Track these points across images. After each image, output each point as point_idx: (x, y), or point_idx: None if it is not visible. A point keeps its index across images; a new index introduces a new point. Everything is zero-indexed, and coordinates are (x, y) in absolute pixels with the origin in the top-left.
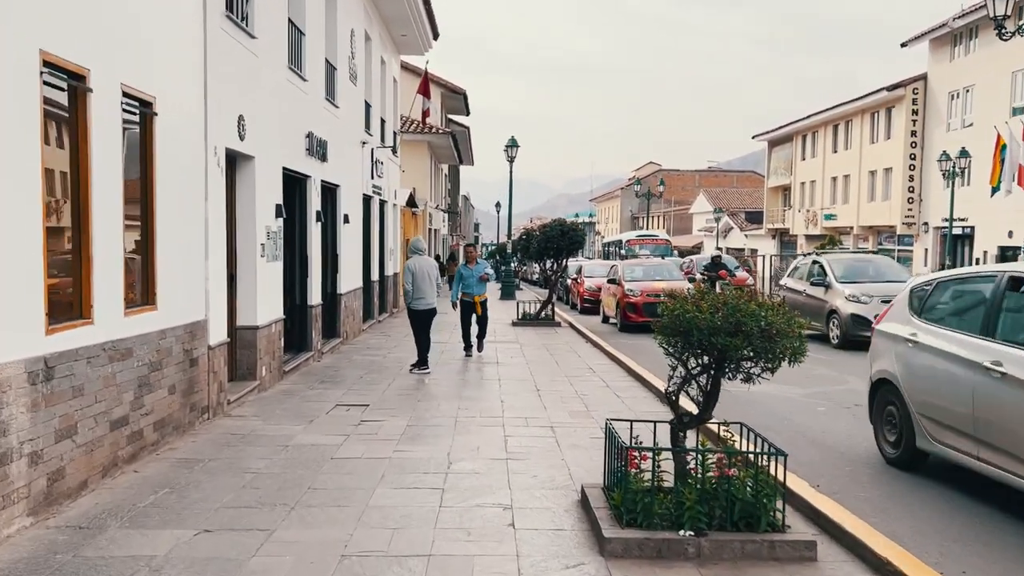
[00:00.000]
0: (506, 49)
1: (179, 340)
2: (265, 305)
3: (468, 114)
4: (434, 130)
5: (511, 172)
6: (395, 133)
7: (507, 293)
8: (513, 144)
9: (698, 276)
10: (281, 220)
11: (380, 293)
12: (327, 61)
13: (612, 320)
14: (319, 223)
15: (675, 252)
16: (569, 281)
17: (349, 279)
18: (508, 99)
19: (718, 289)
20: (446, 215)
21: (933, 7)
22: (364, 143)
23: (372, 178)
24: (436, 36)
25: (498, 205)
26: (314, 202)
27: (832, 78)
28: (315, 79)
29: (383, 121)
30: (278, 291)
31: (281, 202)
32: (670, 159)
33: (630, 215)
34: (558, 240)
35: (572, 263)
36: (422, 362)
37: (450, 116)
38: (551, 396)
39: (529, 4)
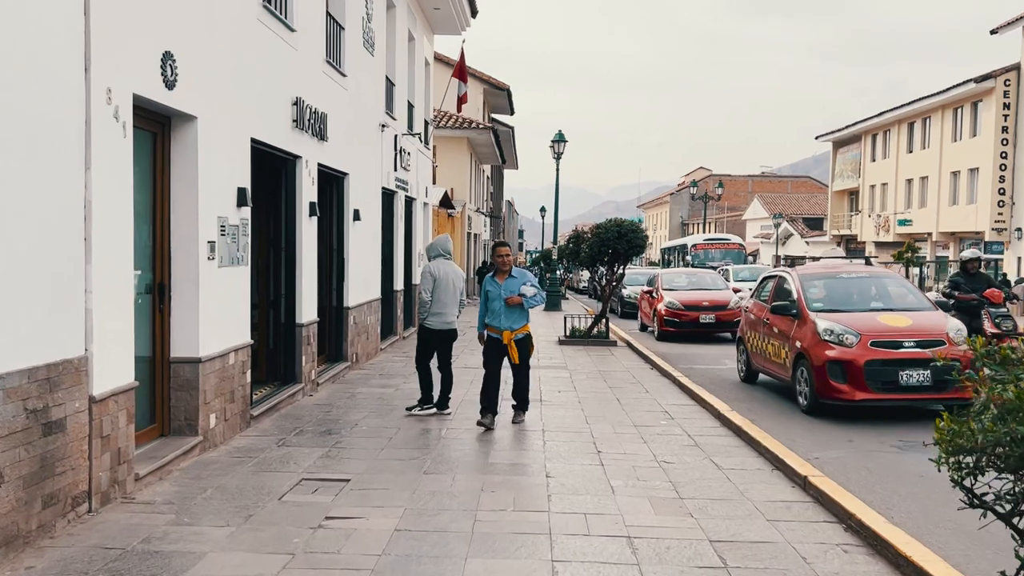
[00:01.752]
0: (552, 59)
1: (12, 395)
2: (216, 327)
3: (512, 113)
4: (474, 125)
5: (557, 170)
6: (427, 123)
7: (552, 304)
8: (560, 139)
9: (946, 296)
10: (247, 210)
11: (405, 306)
12: (329, 15)
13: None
14: (314, 218)
15: (750, 258)
16: (637, 295)
17: (361, 289)
18: (554, 107)
19: (988, 325)
20: (488, 219)
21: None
22: (384, 127)
23: (395, 170)
24: (474, 13)
25: (543, 210)
26: (305, 191)
27: (884, 87)
28: (309, 32)
29: (411, 106)
30: (242, 307)
31: (248, 186)
32: (720, 165)
33: (680, 222)
34: (614, 243)
35: (630, 272)
36: (442, 402)
37: (493, 116)
38: (619, 465)
39: (576, 14)
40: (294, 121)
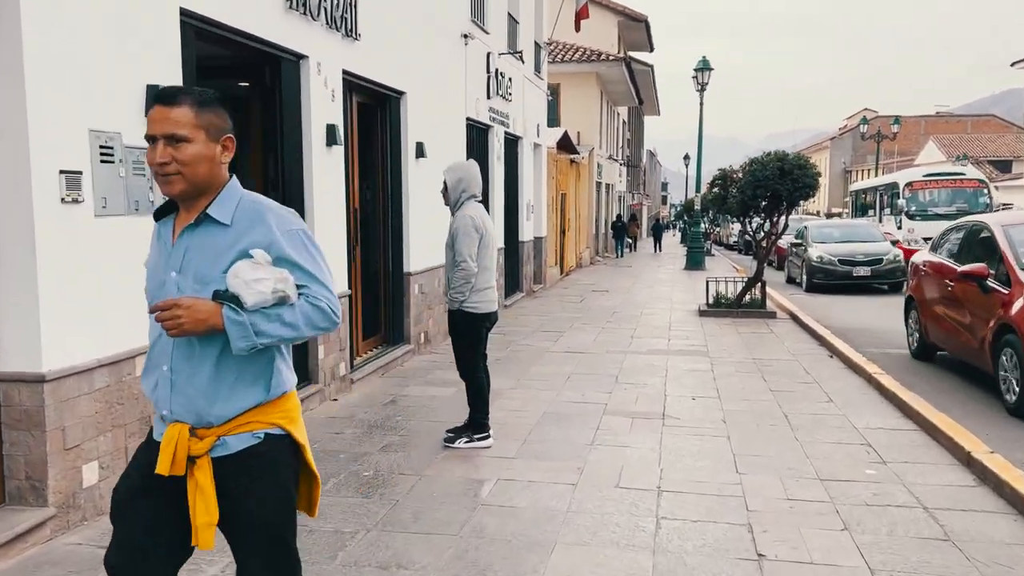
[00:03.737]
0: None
1: None
2: (84, 319)
3: (651, 49)
4: (603, 56)
5: (701, 104)
6: (539, 46)
7: (694, 262)
8: (704, 67)
9: None
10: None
11: (510, 268)
12: None
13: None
14: (334, 148)
15: (999, 206)
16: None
17: (430, 250)
18: (698, 53)
19: None
20: (623, 168)
21: None
22: (468, 37)
23: (489, 97)
24: None
25: (687, 157)
26: (316, 107)
27: None
28: None
29: (513, 21)
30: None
31: (159, 84)
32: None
33: (842, 168)
34: (775, 183)
35: (810, 225)
36: (478, 426)
37: (630, 54)
38: None
39: None
40: (288, 1)
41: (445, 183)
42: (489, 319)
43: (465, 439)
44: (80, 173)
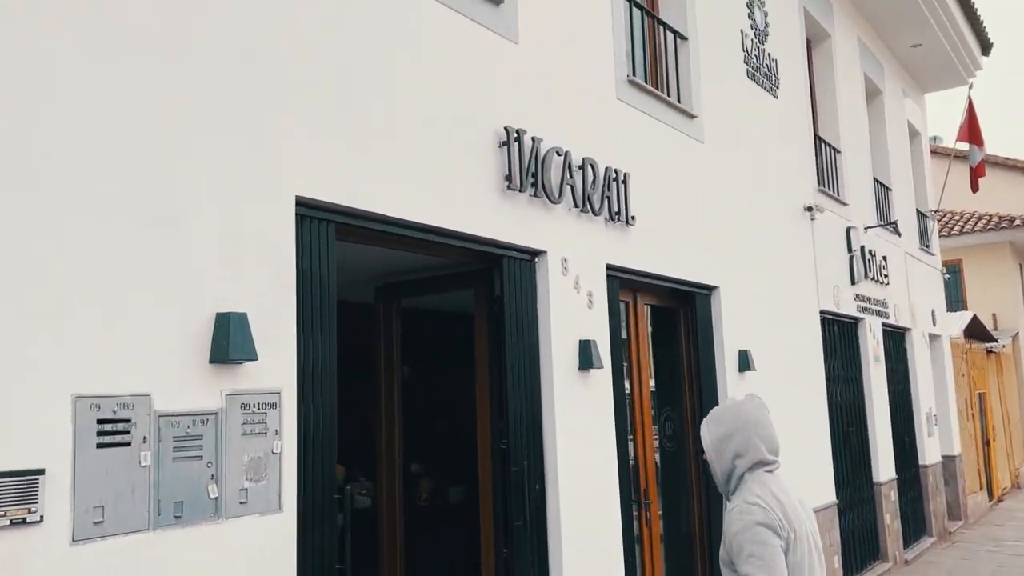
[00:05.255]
0: None
1: None
2: None
3: None
4: (1016, 222)
5: None
6: (924, 216)
7: None
8: None
9: None
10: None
11: (908, 505)
12: None
13: None
14: (589, 372)
15: None
16: None
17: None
18: None
19: None
20: None
21: None
22: (814, 210)
23: (854, 282)
24: (986, 48)
25: None
26: (562, 319)
27: None
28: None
29: (882, 187)
30: None
31: (238, 311)
32: None
33: None
34: None
35: None
36: None
37: None
38: None
39: None
40: (506, 178)
41: (703, 446)
42: None
43: None
44: (41, 473)
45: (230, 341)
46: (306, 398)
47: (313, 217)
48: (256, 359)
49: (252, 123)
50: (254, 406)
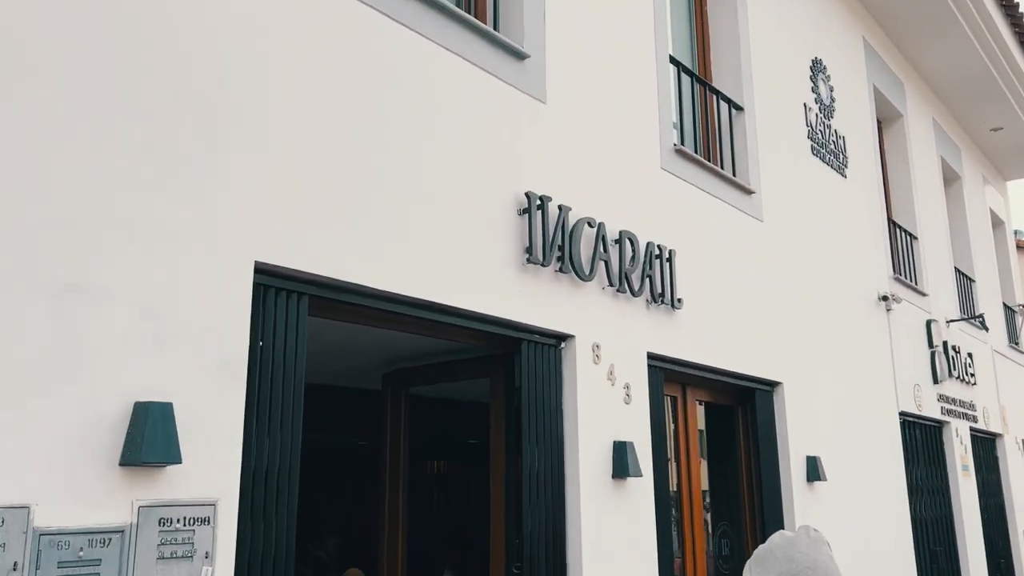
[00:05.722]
0: None
1: None
2: None
3: None
4: None
5: None
6: (1011, 309)
7: None
8: None
9: None
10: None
11: None
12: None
13: None
14: (626, 480)
15: None
16: None
17: None
18: None
19: None
20: None
21: None
22: (889, 300)
23: (937, 381)
24: None
25: None
26: (593, 416)
27: None
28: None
29: (965, 278)
30: None
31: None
32: None
33: None
34: None
35: None
36: None
37: None
38: None
39: None
40: (526, 250)
41: None
42: None
43: None
44: None
45: (144, 438)
46: (254, 512)
47: (279, 288)
48: (179, 462)
49: (193, 174)
50: (177, 521)
